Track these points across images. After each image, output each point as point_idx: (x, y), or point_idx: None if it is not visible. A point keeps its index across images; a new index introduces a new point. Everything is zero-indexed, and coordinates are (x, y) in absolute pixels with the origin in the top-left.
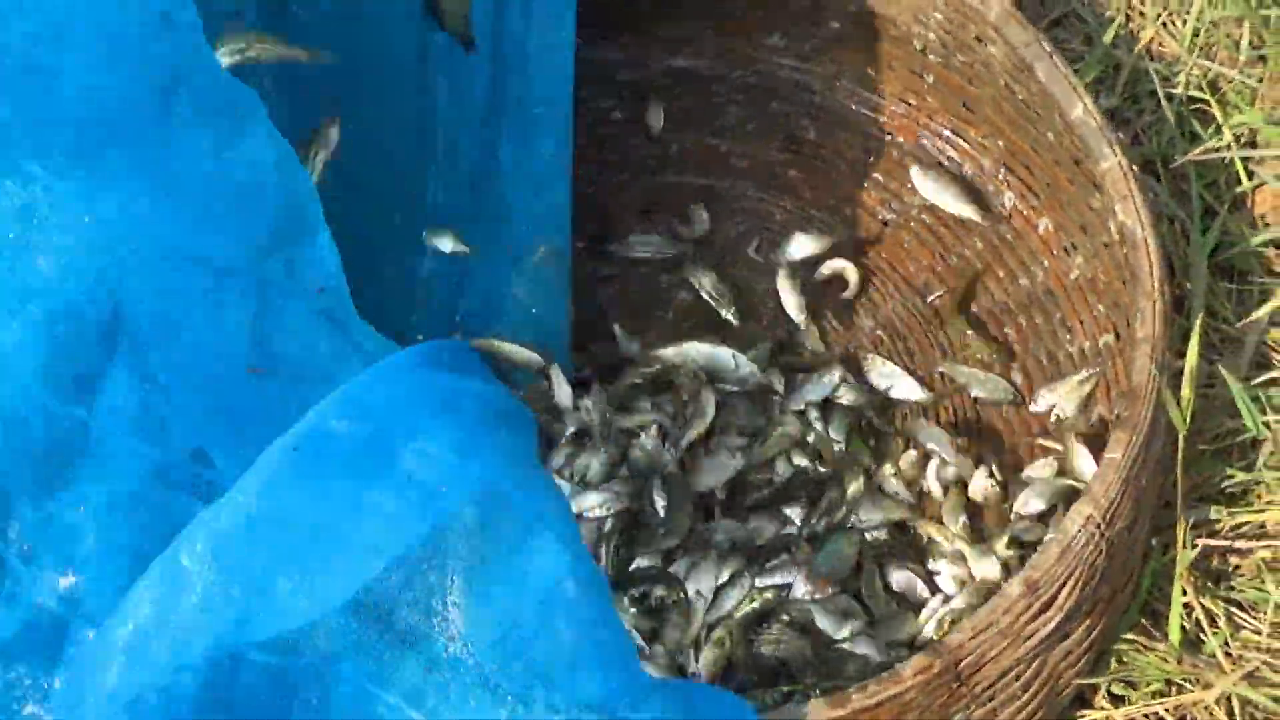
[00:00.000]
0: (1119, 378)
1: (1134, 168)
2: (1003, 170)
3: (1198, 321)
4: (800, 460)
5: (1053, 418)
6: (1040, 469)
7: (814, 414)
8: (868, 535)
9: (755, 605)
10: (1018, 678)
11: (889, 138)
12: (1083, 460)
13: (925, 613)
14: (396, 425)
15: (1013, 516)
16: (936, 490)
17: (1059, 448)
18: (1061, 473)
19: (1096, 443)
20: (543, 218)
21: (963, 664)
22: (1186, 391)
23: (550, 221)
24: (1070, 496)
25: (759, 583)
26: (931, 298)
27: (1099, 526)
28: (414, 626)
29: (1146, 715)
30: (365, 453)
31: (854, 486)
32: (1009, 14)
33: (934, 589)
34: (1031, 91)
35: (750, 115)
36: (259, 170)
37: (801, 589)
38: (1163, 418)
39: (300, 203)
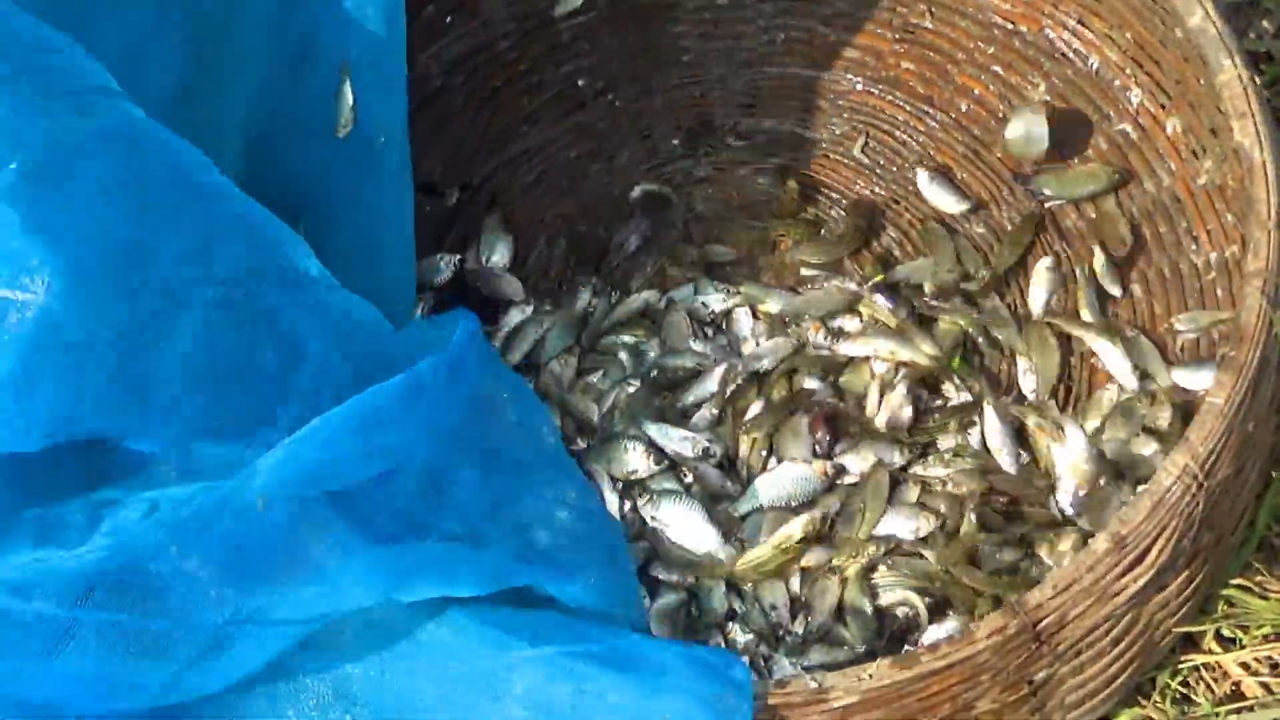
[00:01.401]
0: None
1: (1255, 79)
2: (1130, 65)
3: None
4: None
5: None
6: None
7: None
8: None
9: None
10: (1107, 633)
11: (1011, 27)
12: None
13: None
14: None
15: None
16: None
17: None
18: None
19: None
20: None
21: (1042, 624)
22: None
23: None
24: None
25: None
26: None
27: (1196, 478)
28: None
29: (1259, 660)
30: None
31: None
32: None
33: None
34: None
35: (863, 2)
36: None
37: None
38: (1276, 354)
39: None
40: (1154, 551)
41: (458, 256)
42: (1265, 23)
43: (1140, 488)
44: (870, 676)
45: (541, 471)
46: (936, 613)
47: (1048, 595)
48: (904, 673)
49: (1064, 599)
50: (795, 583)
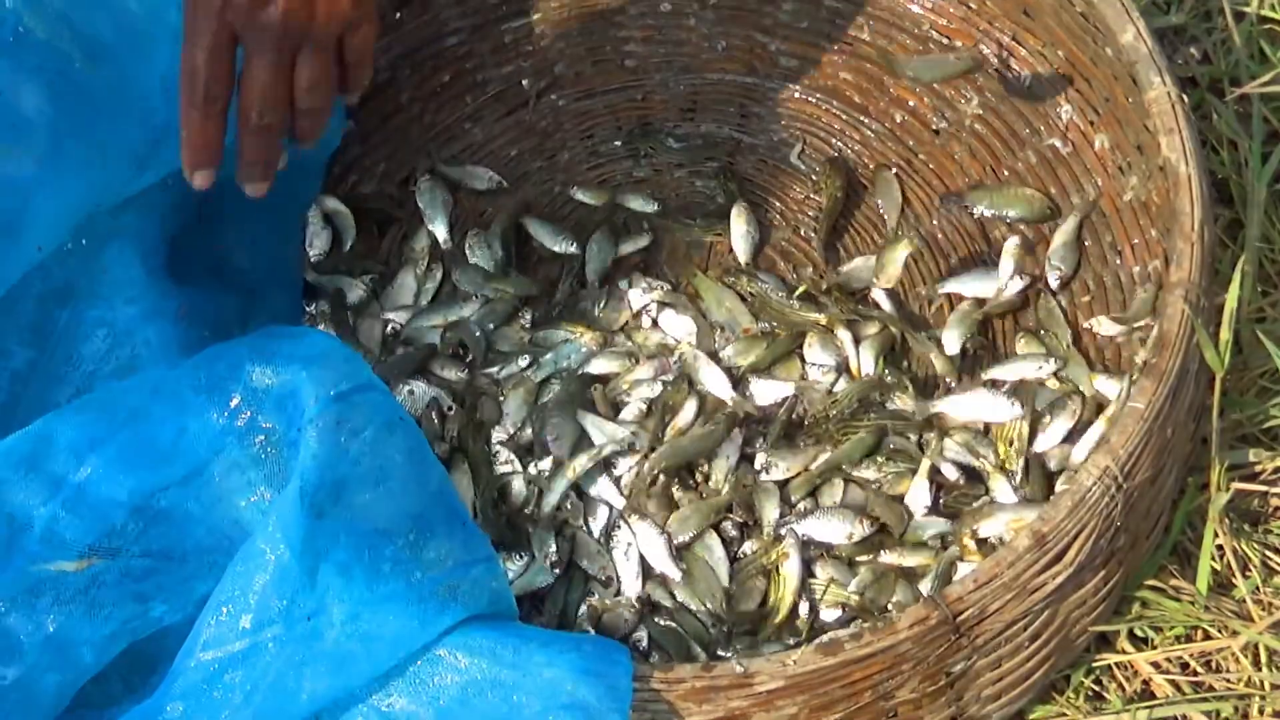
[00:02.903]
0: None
1: (1183, 98)
2: (1062, 81)
3: (1241, 259)
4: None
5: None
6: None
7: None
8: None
9: None
10: (1025, 629)
11: (946, 41)
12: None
13: None
14: None
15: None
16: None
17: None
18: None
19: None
20: None
21: (962, 616)
22: (1225, 333)
23: None
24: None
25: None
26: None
27: (1116, 479)
28: None
29: (1169, 660)
30: None
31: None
32: None
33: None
34: (1088, 7)
35: (803, 13)
36: None
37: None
38: (1195, 363)
39: None
40: (1073, 550)
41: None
42: (1192, 49)
43: (1060, 487)
44: (795, 662)
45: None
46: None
47: (969, 589)
48: (828, 659)
49: (984, 593)
50: (724, 576)
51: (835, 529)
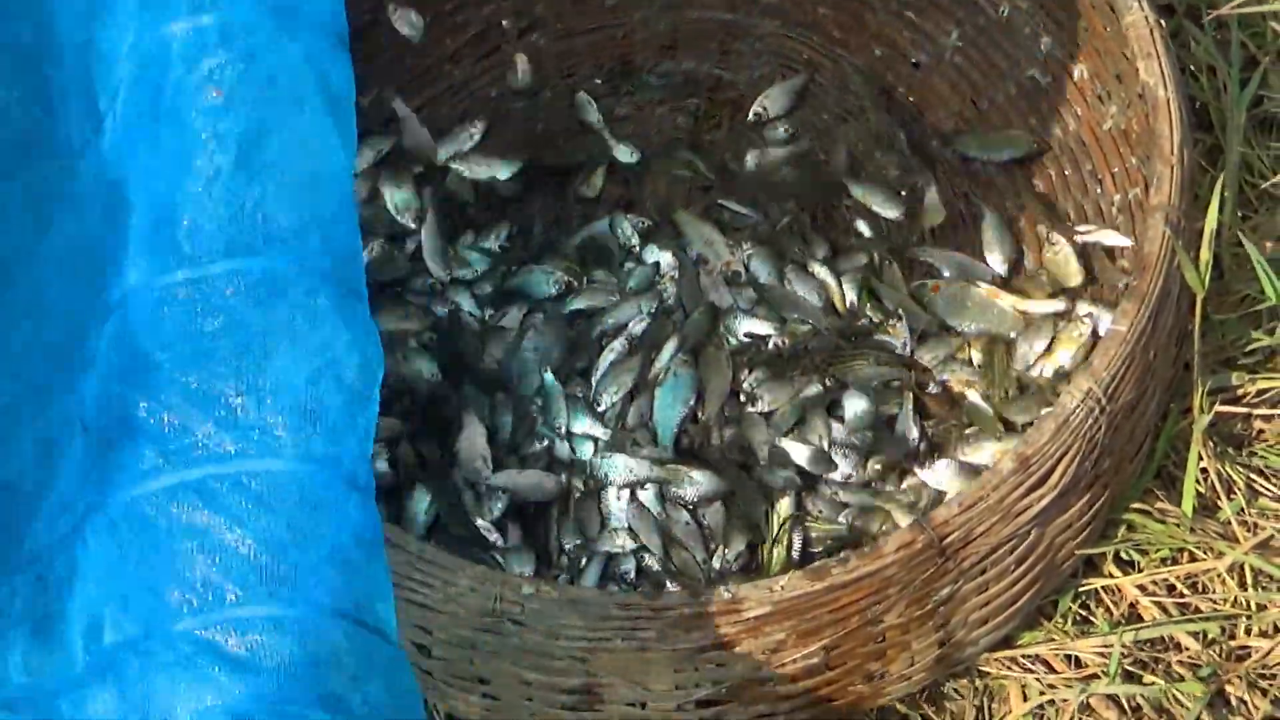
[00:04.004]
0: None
1: (1161, 22)
2: (1040, 13)
3: (1220, 181)
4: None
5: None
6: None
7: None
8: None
9: None
10: (1011, 552)
11: None
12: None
13: None
14: None
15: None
16: None
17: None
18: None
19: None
20: None
21: (948, 539)
22: (1205, 254)
23: None
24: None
25: None
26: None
27: (1099, 402)
28: None
29: (1155, 583)
30: None
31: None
32: None
33: None
34: None
35: None
36: None
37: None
38: (1176, 286)
39: None
40: (1057, 473)
41: None
42: None
43: (1044, 410)
44: (782, 588)
45: None
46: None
47: (954, 512)
48: (815, 584)
49: (969, 515)
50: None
51: (838, 465)
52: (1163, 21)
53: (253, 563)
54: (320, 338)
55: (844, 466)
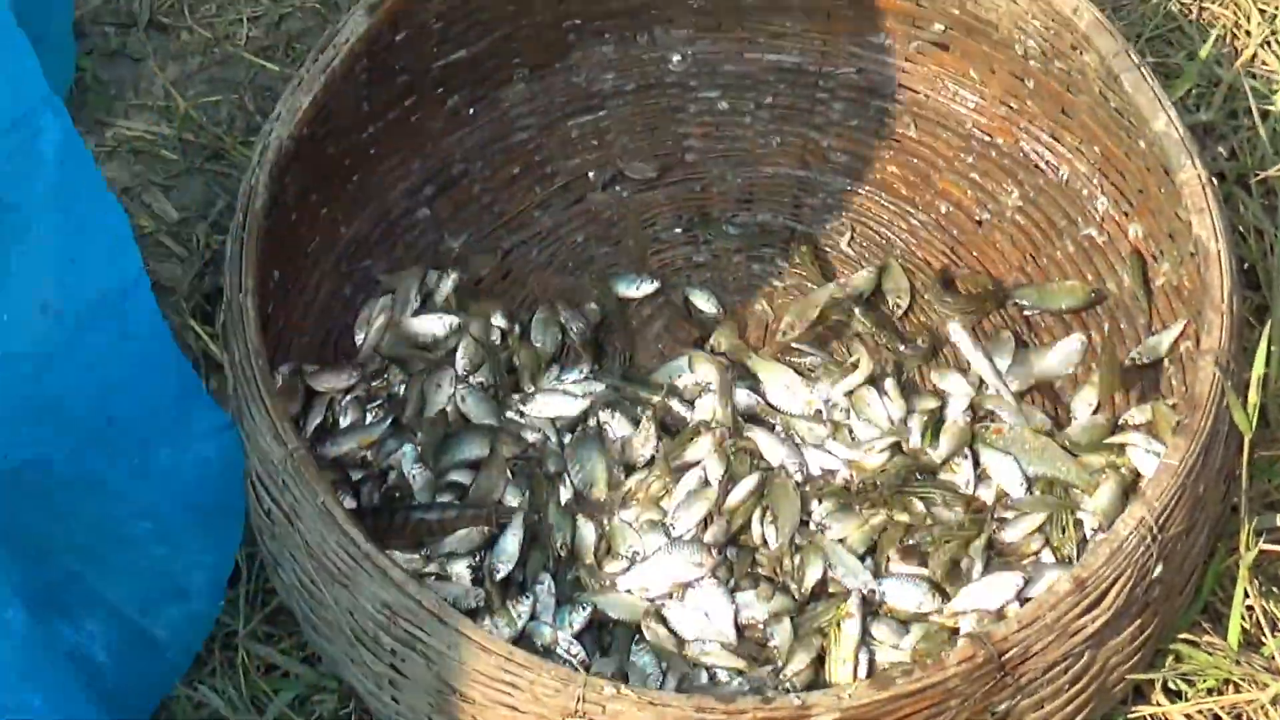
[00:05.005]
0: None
1: (1213, 180)
2: (1098, 175)
3: (1266, 333)
4: None
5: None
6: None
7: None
8: None
9: None
10: (1065, 671)
11: (988, 139)
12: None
13: None
14: None
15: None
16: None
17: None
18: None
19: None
20: None
21: (1007, 655)
22: (1253, 397)
23: None
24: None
25: None
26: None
27: (1151, 530)
28: None
29: (1201, 712)
30: None
31: None
32: (1099, 24)
33: None
34: (1123, 100)
35: (853, 112)
36: None
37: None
38: (1225, 426)
39: None
40: (1110, 595)
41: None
42: (1220, 147)
43: (1099, 537)
44: (850, 696)
45: None
46: None
47: (1013, 629)
48: (880, 693)
49: (1027, 633)
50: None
51: (909, 595)
52: (1214, 180)
53: None
54: None
55: (911, 594)
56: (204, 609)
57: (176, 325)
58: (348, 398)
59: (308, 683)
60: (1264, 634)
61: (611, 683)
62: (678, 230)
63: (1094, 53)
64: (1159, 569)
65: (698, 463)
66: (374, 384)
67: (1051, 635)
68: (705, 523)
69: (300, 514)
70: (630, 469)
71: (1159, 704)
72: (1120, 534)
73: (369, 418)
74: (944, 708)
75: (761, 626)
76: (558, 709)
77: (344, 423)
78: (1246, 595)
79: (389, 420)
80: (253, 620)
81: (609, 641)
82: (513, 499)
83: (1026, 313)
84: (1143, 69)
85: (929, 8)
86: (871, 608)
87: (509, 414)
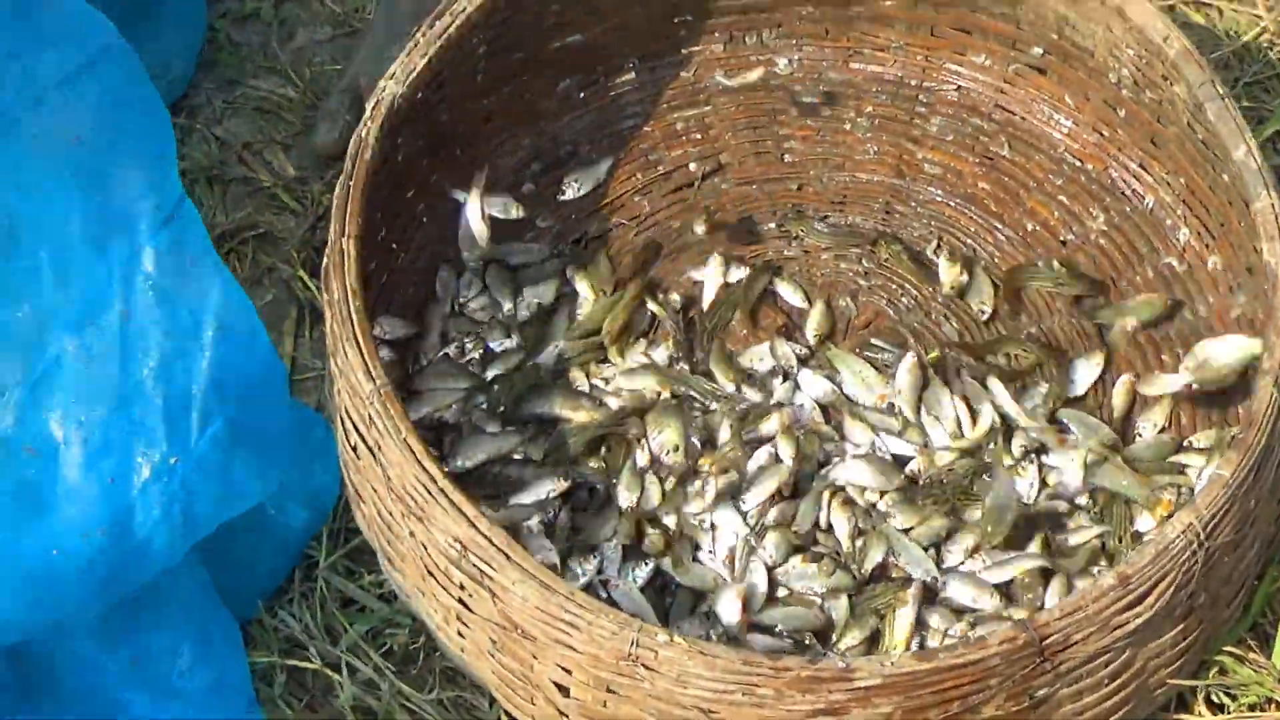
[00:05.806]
0: None
1: None
2: (1182, 206)
3: None
4: None
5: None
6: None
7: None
8: None
9: None
10: (1105, 665)
11: (1079, 164)
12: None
13: None
14: None
15: None
16: None
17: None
18: None
19: None
20: None
21: (1048, 641)
22: None
23: None
24: None
25: None
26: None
27: (1198, 536)
28: None
29: None
30: None
31: None
32: (1188, 52)
33: None
34: (1208, 131)
35: (950, 128)
36: None
37: None
38: None
39: None
40: (1153, 595)
41: None
42: None
43: (1147, 538)
44: (893, 664)
45: None
46: None
47: (1055, 616)
48: (923, 664)
49: (1068, 622)
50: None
51: (969, 594)
52: None
53: None
54: None
55: (970, 592)
56: None
57: (286, 275)
58: (437, 352)
59: (382, 617)
60: None
61: (665, 630)
62: (771, 225)
63: (1183, 83)
64: (1203, 575)
65: (770, 438)
66: (467, 341)
67: (1092, 627)
68: (775, 497)
69: (383, 447)
70: (707, 442)
71: (1200, 714)
72: (1167, 536)
73: (454, 379)
74: (983, 685)
75: (820, 600)
76: (613, 651)
77: (430, 383)
78: None
79: (473, 381)
80: (334, 554)
81: (669, 603)
82: (591, 460)
83: (1102, 329)
84: (1227, 100)
85: (1029, 31)
86: (930, 596)
87: (595, 380)
